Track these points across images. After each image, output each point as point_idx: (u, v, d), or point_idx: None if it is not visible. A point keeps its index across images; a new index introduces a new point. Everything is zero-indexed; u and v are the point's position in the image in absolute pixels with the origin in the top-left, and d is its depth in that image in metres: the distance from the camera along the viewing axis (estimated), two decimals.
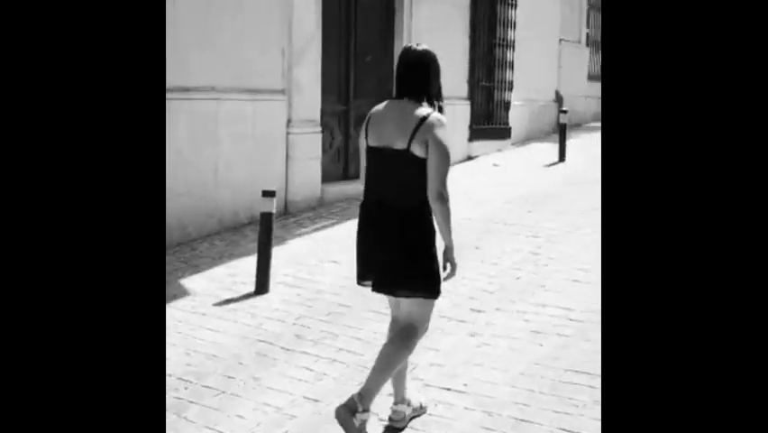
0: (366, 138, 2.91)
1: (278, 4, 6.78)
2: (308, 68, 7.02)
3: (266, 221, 4.72)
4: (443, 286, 2.98)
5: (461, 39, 9.52)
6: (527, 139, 11.23)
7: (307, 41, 6.99)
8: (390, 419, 3.08)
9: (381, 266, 2.88)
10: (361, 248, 2.97)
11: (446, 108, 9.51)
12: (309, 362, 3.70)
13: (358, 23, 7.92)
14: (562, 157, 9.39)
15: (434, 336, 4.01)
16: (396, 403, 3.08)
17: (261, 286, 4.63)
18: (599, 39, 13.75)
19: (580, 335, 3.97)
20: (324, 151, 7.46)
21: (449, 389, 3.40)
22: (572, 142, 10.78)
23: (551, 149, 10.08)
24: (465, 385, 3.43)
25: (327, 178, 7.44)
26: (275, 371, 3.54)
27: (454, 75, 9.40)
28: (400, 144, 2.78)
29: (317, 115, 7.20)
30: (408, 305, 2.93)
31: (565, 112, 9.45)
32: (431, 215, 2.85)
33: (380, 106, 2.96)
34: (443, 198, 2.80)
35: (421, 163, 2.77)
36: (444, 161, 2.80)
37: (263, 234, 4.68)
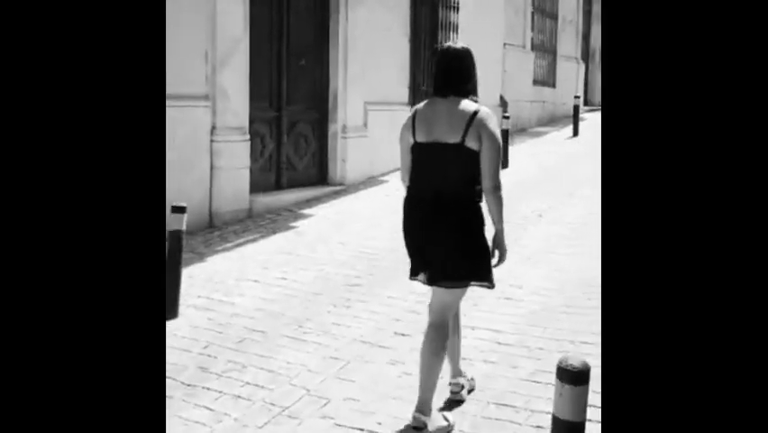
0: (413, 135, 3.01)
1: (202, 6, 6.40)
2: (234, 72, 6.65)
3: (175, 240, 4.35)
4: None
5: (401, 43, 9.25)
6: None
7: (233, 44, 6.62)
8: (451, 392, 3.29)
9: (440, 258, 2.98)
10: (412, 243, 3.08)
11: (385, 114, 9.12)
12: (210, 400, 3.34)
13: (290, 26, 7.58)
14: (504, 163, 9.19)
15: (351, 365, 3.70)
16: (453, 377, 3.30)
17: (169, 311, 4.25)
18: (544, 43, 13.66)
19: (507, 361, 3.70)
20: (254, 159, 7.10)
21: (362, 430, 3.09)
22: (517, 148, 10.62)
23: None
24: (379, 424, 3.13)
25: (257, 188, 7.08)
26: (169, 412, 3.18)
27: (394, 80, 9.13)
28: (453, 139, 2.90)
29: (245, 122, 6.83)
30: (444, 295, 3.04)
31: (507, 118, 9.25)
32: (481, 203, 2.99)
33: (424, 104, 3.08)
34: (498, 187, 2.94)
35: (474, 155, 2.90)
36: (498, 152, 2.94)
37: (171, 254, 4.30)
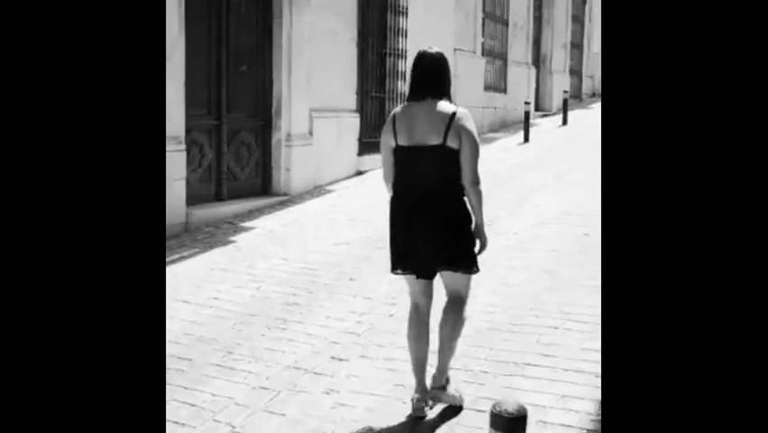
0: (395, 138, 3.15)
1: None
2: (168, 79, 6.33)
3: None
4: None
5: (349, 48, 9.02)
6: None
7: (167, 49, 6.31)
8: (433, 388, 3.34)
9: (428, 251, 3.16)
10: (399, 240, 3.23)
11: (331, 121, 8.84)
12: None
13: (230, 30, 7.29)
14: None
15: (282, 396, 3.45)
16: (439, 372, 3.37)
17: None
18: (495, 48, 13.58)
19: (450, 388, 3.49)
20: (191, 170, 6.79)
21: None
22: None
23: None
24: None
25: (195, 200, 6.77)
26: None
27: (342, 86, 8.90)
28: (435, 140, 3.07)
29: (181, 131, 6.51)
30: (454, 281, 3.27)
31: None
32: (464, 198, 3.17)
33: (401, 108, 3.21)
34: (478, 182, 3.15)
35: (455, 154, 3.08)
36: (476, 149, 3.13)
37: None
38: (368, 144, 9.44)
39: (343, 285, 5.03)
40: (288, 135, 7.88)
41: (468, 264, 3.23)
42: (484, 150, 11.10)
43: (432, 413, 3.27)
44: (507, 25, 14.04)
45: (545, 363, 3.72)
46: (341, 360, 3.84)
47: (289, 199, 7.74)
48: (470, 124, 3.11)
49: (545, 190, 8.06)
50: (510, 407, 1.93)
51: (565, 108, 14.05)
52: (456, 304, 3.30)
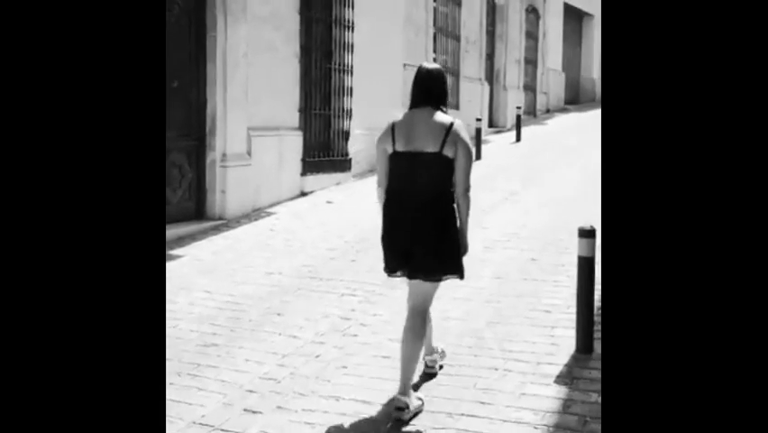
0: (393, 145, 3.33)
1: None
2: None
3: None
4: None
5: (290, 64, 8.64)
6: (371, 170, 10.48)
7: None
8: (426, 366, 3.72)
9: (424, 255, 3.31)
10: (393, 243, 3.39)
11: (271, 140, 8.37)
12: None
13: None
14: None
15: None
16: (427, 354, 3.71)
17: None
18: (447, 64, 13.33)
19: None
20: None
21: None
22: None
23: None
24: None
25: None
26: None
27: (283, 103, 8.51)
28: (432, 148, 3.25)
29: None
30: (425, 287, 3.40)
31: None
32: (454, 205, 3.34)
33: (401, 117, 3.42)
34: (469, 190, 3.34)
35: (449, 163, 3.27)
36: (470, 159, 3.34)
37: None
38: (312, 164, 9.05)
39: (270, 322, 4.62)
40: (224, 155, 7.46)
41: (454, 269, 3.39)
42: None
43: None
44: (459, 40, 13.82)
45: (482, 412, 3.36)
46: (254, 413, 3.42)
47: (225, 224, 7.30)
48: (466, 135, 3.35)
49: (495, 211, 7.76)
50: None
51: (518, 125, 13.86)
52: (420, 316, 3.42)
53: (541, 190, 8.91)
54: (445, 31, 13.31)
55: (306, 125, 8.99)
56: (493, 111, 16.25)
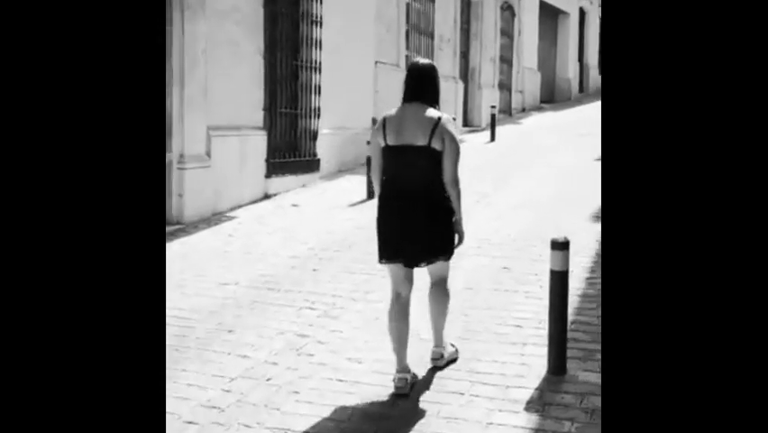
0: (384, 139, 3.49)
1: None
2: None
3: None
4: None
5: (254, 61, 8.28)
6: (340, 171, 10.15)
7: None
8: (432, 360, 3.80)
9: (417, 242, 3.50)
10: (389, 234, 3.53)
11: (233, 141, 7.94)
12: None
13: None
14: (371, 194, 8.35)
15: None
16: (435, 346, 3.81)
17: None
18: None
19: None
20: None
21: None
22: None
23: (363, 182, 9.03)
24: None
25: None
26: None
27: (246, 102, 8.14)
28: (421, 141, 3.41)
29: None
30: (438, 267, 3.66)
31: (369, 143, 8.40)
32: (446, 194, 3.51)
33: (393, 112, 3.56)
34: (457, 181, 3.51)
35: (438, 155, 3.43)
36: (457, 151, 3.49)
37: None
38: (277, 165, 8.69)
39: (219, 339, 4.26)
40: (181, 157, 7.08)
41: (449, 253, 3.64)
42: None
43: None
44: (432, 38, 13.52)
45: None
46: None
47: (182, 229, 6.92)
48: (453, 129, 3.51)
49: (466, 215, 7.37)
50: None
51: (493, 124, 13.59)
52: (441, 285, 3.74)
53: (514, 193, 8.63)
54: (418, 28, 12.99)
55: (270, 125, 8.62)
56: (468, 110, 15.98)
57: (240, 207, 7.94)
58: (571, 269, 5.18)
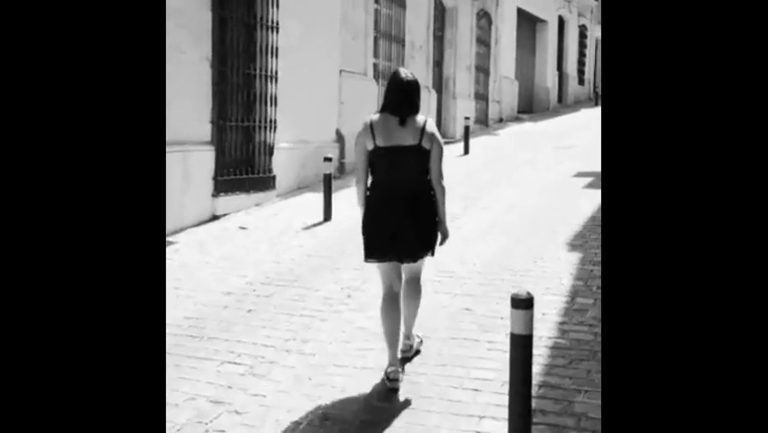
0: (374, 141, 3.71)
1: None
2: None
3: None
4: None
5: (201, 69, 7.55)
6: (300, 188, 9.43)
7: None
8: (402, 351, 4.01)
9: (406, 239, 3.74)
10: (380, 232, 3.75)
11: (176, 157, 7.10)
12: None
13: None
14: (327, 214, 7.64)
15: None
16: (406, 337, 4.07)
17: None
18: (390, 71, 12.35)
19: None
20: None
21: None
22: (347, 194, 9.10)
23: (322, 201, 8.31)
24: None
25: None
26: None
27: (190, 114, 7.40)
28: (411, 142, 3.70)
29: None
30: (416, 265, 3.91)
31: (330, 159, 7.71)
32: (432, 192, 3.79)
33: (378, 117, 3.76)
34: (442, 177, 3.80)
35: (426, 154, 3.73)
36: (442, 151, 3.80)
37: None
38: (227, 183, 7.95)
39: None
40: None
41: (429, 248, 3.85)
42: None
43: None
44: (403, 45, 12.86)
45: None
46: None
47: None
48: (437, 131, 3.81)
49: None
50: None
51: (467, 137, 12.93)
52: (415, 282, 3.98)
53: (485, 214, 7.95)
54: (388, 35, 12.33)
55: (219, 139, 7.89)
56: (441, 121, 15.32)
57: (182, 230, 7.19)
58: (540, 313, 4.56)
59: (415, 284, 3.96)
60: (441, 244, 3.87)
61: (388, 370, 3.72)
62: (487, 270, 5.80)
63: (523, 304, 2.97)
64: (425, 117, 3.78)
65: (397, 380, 3.69)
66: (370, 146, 3.70)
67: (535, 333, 4.30)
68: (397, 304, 3.80)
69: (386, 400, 3.62)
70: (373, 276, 5.66)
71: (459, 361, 4.04)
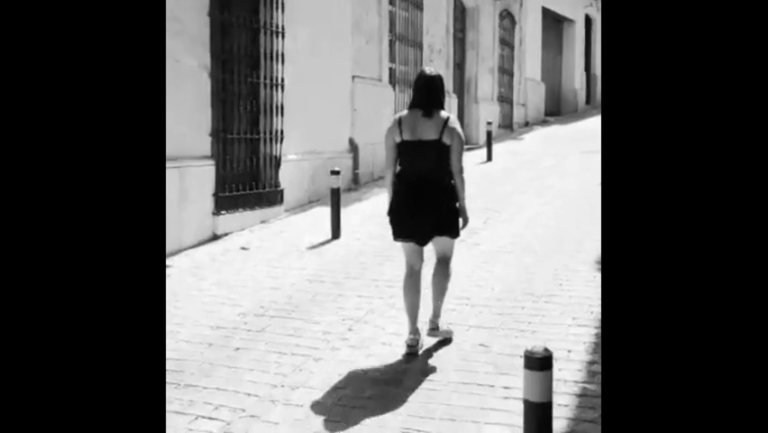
0: (401, 135, 4.14)
1: None
2: None
3: None
4: None
5: (198, 78, 7.07)
6: (311, 202, 8.91)
7: None
8: (429, 330, 4.34)
9: (428, 222, 4.15)
10: (403, 215, 4.18)
11: (173, 173, 6.95)
12: None
13: None
14: (335, 232, 7.10)
15: None
16: (434, 316, 4.36)
17: None
18: (408, 75, 11.80)
19: None
20: None
21: None
22: (360, 207, 8.56)
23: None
24: None
25: None
26: None
27: (188, 127, 6.92)
28: (432, 136, 4.08)
29: None
30: (443, 244, 4.28)
31: (338, 172, 7.18)
32: (452, 182, 4.16)
33: (407, 113, 4.20)
34: (462, 170, 4.18)
35: (446, 148, 4.09)
36: (462, 146, 4.16)
37: None
38: (229, 199, 7.46)
39: None
40: None
41: (454, 232, 4.24)
42: (378, 201, 9.04)
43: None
44: (421, 49, 12.29)
45: None
46: None
47: None
48: (458, 127, 4.18)
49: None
50: None
51: (489, 143, 12.32)
52: (444, 261, 4.32)
53: (507, 229, 7.35)
54: (404, 38, 11.77)
55: (220, 153, 7.40)
56: (464, 126, 14.67)
57: (180, 251, 6.71)
58: (565, 351, 3.96)
59: (444, 265, 4.31)
60: (462, 227, 4.29)
61: (407, 338, 4.16)
62: (506, 295, 5.21)
63: (538, 364, 2.39)
64: (449, 114, 4.20)
65: (414, 346, 4.12)
66: (398, 139, 4.14)
67: (560, 375, 3.71)
68: (417, 282, 4.22)
69: None
70: (378, 307, 5.10)
71: (470, 414, 3.46)
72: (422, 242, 4.21)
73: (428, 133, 4.07)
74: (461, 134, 4.17)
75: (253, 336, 4.57)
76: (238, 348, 4.39)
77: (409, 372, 3.97)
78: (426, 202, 4.10)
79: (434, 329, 4.29)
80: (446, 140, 4.07)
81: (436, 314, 4.31)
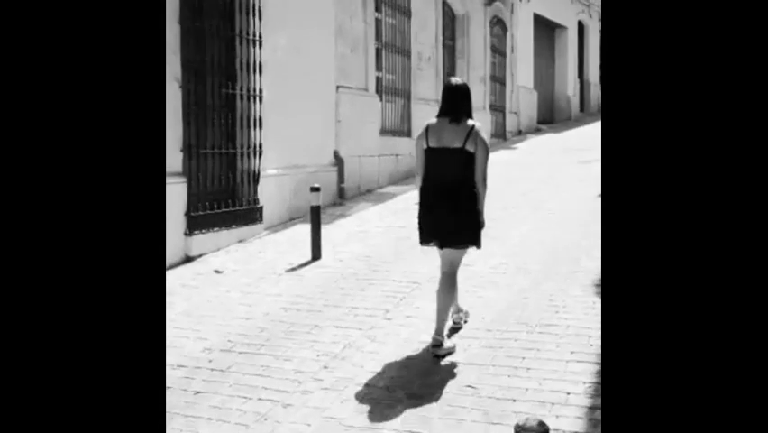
0: (427, 142, 4.30)
1: None
2: None
3: None
4: None
5: (170, 91, 6.62)
6: (292, 219, 8.45)
7: None
8: (453, 322, 4.66)
9: (450, 228, 4.28)
10: (428, 219, 4.34)
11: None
12: None
13: None
14: (316, 253, 6.64)
15: None
16: (456, 312, 4.69)
17: None
18: (395, 84, 11.38)
19: None
20: None
21: None
22: (344, 223, 8.11)
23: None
24: None
25: None
26: None
27: None
28: (457, 144, 4.22)
29: None
30: (453, 254, 4.37)
31: (318, 189, 6.73)
32: (474, 189, 4.26)
33: (435, 121, 4.34)
34: (486, 178, 4.30)
35: (470, 156, 4.22)
36: (487, 154, 4.30)
37: None
38: (203, 219, 7.01)
39: None
40: None
41: (473, 239, 4.36)
42: (372, 213, 8.58)
43: None
44: (409, 57, 11.88)
45: None
46: None
47: None
48: (484, 135, 4.30)
49: (430, 287, 5.73)
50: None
51: None
52: (449, 275, 4.38)
53: (497, 248, 6.90)
54: (391, 46, 11.35)
55: (192, 169, 6.96)
56: None
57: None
58: (564, 393, 3.49)
59: (448, 279, 4.35)
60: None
61: (432, 336, 4.27)
62: (498, 325, 4.76)
63: None
64: (475, 122, 4.31)
65: (438, 346, 4.22)
66: (424, 146, 4.30)
67: (557, 424, 3.27)
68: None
69: None
70: (357, 340, 4.64)
71: None
72: (442, 245, 4.32)
73: (453, 140, 4.20)
74: (487, 142, 4.29)
75: (217, 377, 4.11)
76: (198, 392, 3.93)
77: (388, 420, 3.52)
78: (446, 208, 4.22)
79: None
80: (470, 147, 4.19)
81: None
